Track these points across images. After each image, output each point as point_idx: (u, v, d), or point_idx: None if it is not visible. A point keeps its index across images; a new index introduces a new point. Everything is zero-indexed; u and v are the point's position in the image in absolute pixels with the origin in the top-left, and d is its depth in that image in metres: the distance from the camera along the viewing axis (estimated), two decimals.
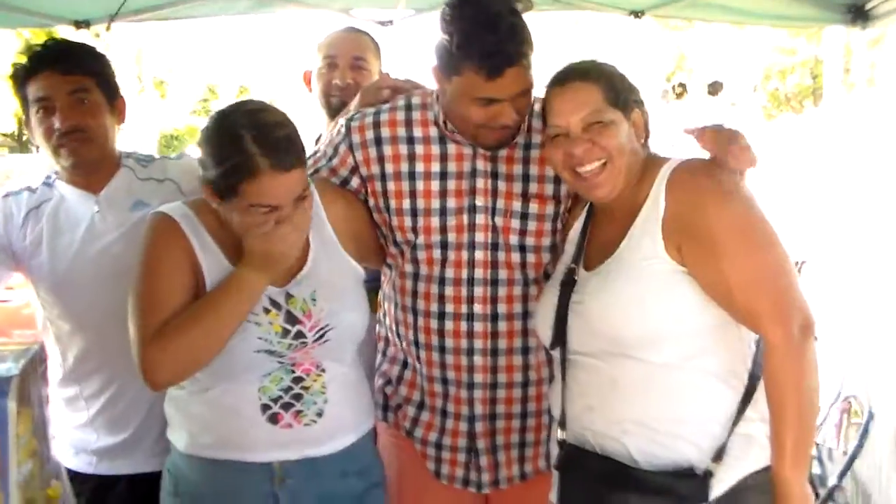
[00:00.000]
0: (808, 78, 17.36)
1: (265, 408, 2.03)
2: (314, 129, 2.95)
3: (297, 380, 2.05)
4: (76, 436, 2.43)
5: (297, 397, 2.05)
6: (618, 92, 1.98)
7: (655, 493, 1.89)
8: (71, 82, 2.31)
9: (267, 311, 2.03)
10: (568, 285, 2.03)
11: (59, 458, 2.26)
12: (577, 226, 2.15)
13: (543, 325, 2.08)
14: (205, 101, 22.38)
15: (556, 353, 2.07)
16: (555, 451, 2.07)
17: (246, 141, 1.92)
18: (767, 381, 1.88)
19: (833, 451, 3.82)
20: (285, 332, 2.02)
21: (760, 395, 1.92)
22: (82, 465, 2.42)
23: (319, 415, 2.07)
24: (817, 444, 3.78)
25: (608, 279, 1.95)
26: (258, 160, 1.91)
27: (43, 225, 2.38)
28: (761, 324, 1.86)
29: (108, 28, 3.67)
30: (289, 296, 2.05)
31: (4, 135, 20.76)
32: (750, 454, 1.91)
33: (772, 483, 1.87)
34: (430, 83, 2.29)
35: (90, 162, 2.37)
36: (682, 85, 12.74)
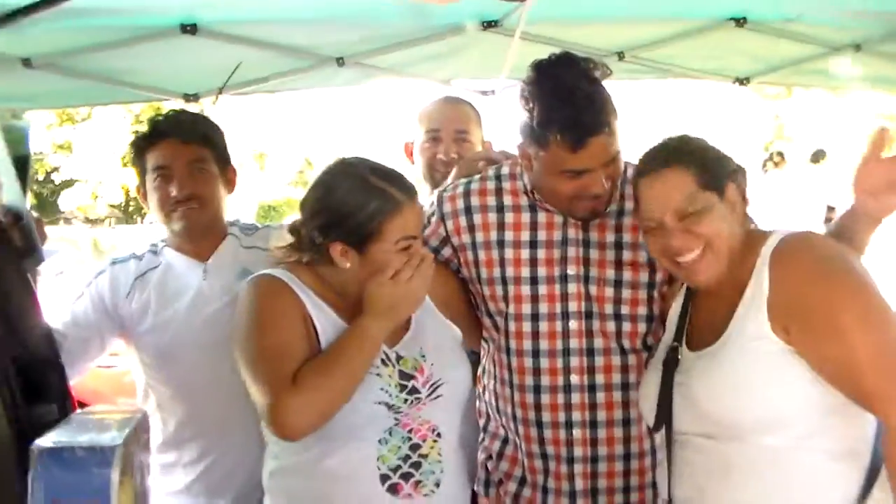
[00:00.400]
0: None
1: (384, 478, 1.99)
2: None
3: (415, 447, 2.01)
4: (172, 502, 2.44)
5: (416, 466, 2.01)
6: (710, 172, 1.91)
7: None
8: (190, 152, 2.41)
9: (385, 363, 2.02)
10: (671, 365, 1.96)
11: None
12: (678, 303, 2.08)
13: (647, 406, 2.01)
14: (301, 173, 22.93)
15: (659, 436, 1.99)
16: None
17: (375, 181, 2.01)
18: (889, 464, 1.77)
19: None
20: (402, 387, 2.00)
21: (883, 478, 1.80)
22: None
23: (437, 485, 2.03)
24: None
25: (714, 362, 1.88)
26: (394, 194, 1.99)
27: (150, 292, 2.43)
28: (879, 406, 1.76)
29: (214, 101, 3.76)
30: (399, 357, 2.04)
31: (112, 206, 21.58)
32: None
33: None
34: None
35: (201, 228, 2.44)
36: (780, 154, 12.45)
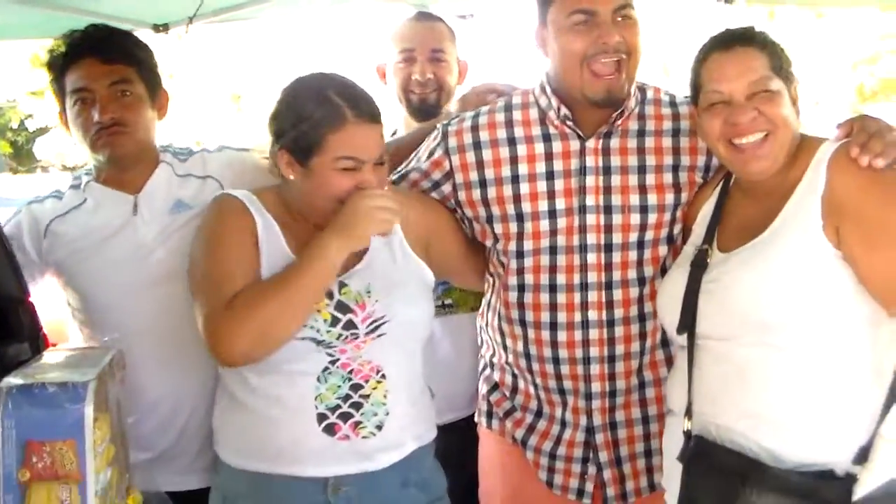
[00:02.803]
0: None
1: (322, 417, 1.95)
2: (390, 123, 2.87)
3: (356, 387, 1.96)
4: None
5: (357, 406, 1.97)
6: (782, 61, 1.89)
7: (795, 494, 1.76)
8: (112, 72, 2.21)
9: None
10: (699, 267, 1.93)
11: None
12: (709, 206, 2.04)
13: (669, 309, 1.98)
14: None
15: (680, 340, 1.96)
16: (677, 442, 1.94)
17: (330, 94, 1.95)
18: None
19: None
20: (335, 321, 1.95)
21: None
22: None
23: (379, 427, 1.98)
24: None
25: (754, 257, 1.84)
26: (344, 110, 1.93)
27: (73, 232, 2.26)
28: None
29: (186, 29, 3.64)
30: (342, 285, 1.98)
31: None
32: (892, 457, 1.76)
33: None
34: (521, 82, 2.23)
35: (129, 157, 2.26)
36: None
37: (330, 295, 1.97)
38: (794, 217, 1.84)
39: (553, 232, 2.14)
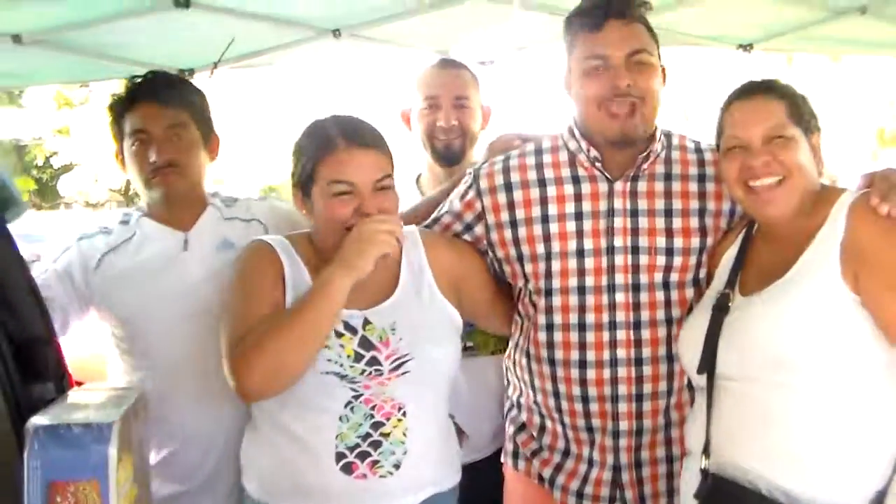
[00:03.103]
0: None
1: (340, 456, 1.96)
2: (414, 168, 2.90)
3: (377, 425, 1.98)
4: None
5: (376, 445, 1.97)
6: (800, 110, 1.95)
7: None
8: (169, 116, 2.32)
9: (339, 335, 1.98)
10: (721, 310, 1.96)
11: None
12: (732, 252, 2.09)
13: (690, 350, 2.01)
14: None
15: (700, 381, 1.98)
16: (694, 480, 1.96)
17: (326, 126, 2.05)
18: None
19: None
20: (358, 357, 1.97)
21: None
22: None
23: (397, 467, 1.99)
24: None
25: (776, 299, 1.88)
26: (335, 137, 2.01)
27: (124, 263, 2.34)
28: None
29: (210, 75, 3.71)
30: (367, 322, 2.01)
31: (113, 190, 21.54)
32: None
33: None
34: (538, 126, 2.30)
35: (181, 197, 2.36)
36: None
37: (353, 331, 1.99)
38: (814, 262, 1.87)
39: (581, 272, 2.18)
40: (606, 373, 2.18)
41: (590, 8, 2.15)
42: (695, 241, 2.18)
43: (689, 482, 2.00)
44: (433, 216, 2.33)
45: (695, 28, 3.93)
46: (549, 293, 2.20)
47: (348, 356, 1.97)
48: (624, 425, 2.19)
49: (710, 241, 2.19)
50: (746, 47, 4.08)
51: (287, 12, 3.52)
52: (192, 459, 2.32)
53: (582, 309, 2.18)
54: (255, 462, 2.09)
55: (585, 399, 2.19)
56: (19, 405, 1.82)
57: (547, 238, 2.20)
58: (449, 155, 2.76)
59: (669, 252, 2.17)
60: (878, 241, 1.83)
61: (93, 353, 2.61)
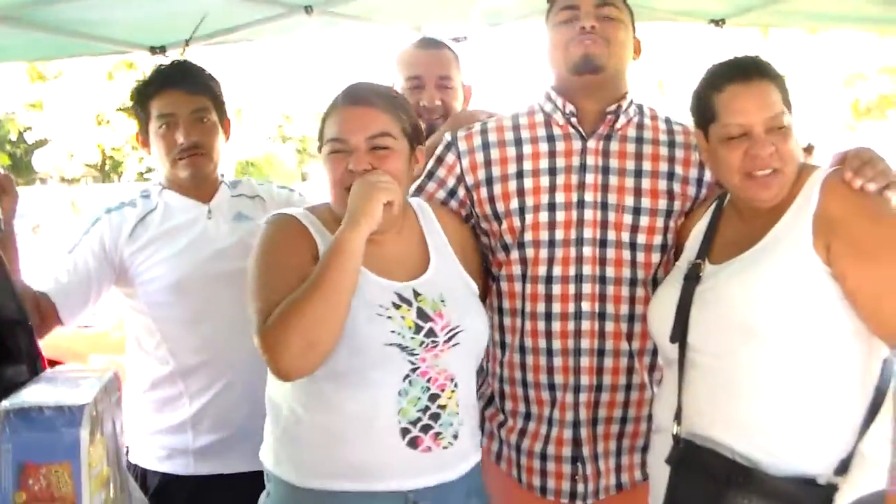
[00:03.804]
0: (890, 85, 16.89)
1: (405, 432, 1.95)
2: None
3: (434, 397, 1.98)
4: (170, 439, 2.51)
5: (435, 417, 1.99)
6: (787, 93, 1.97)
7: (778, 499, 1.83)
8: (194, 102, 2.54)
9: (397, 306, 1.99)
10: (692, 279, 2.00)
11: (151, 464, 2.50)
12: (702, 224, 2.13)
13: (661, 320, 2.05)
14: (280, 128, 22.76)
15: (672, 352, 2.02)
16: (665, 448, 2.01)
17: (339, 91, 2.09)
18: None
19: None
20: (418, 328, 1.98)
21: (886, 413, 1.84)
22: (178, 467, 2.50)
23: (455, 437, 2.01)
24: None
25: (747, 269, 1.92)
26: (337, 98, 2.07)
27: (154, 231, 2.53)
28: None
29: (182, 53, 3.69)
30: (416, 293, 2.02)
31: (88, 165, 21.41)
32: (870, 473, 1.83)
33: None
34: (506, 105, 2.39)
35: (204, 176, 2.57)
36: None
37: (408, 302, 2.00)
38: (787, 233, 1.92)
39: (552, 224, 2.24)
40: (571, 325, 2.24)
41: None
42: (662, 203, 2.25)
43: (659, 451, 2.05)
44: (415, 186, 2.35)
45: (666, 3, 3.94)
46: (521, 246, 2.26)
47: (409, 328, 1.98)
48: (585, 380, 2.25)
49: (676, 205, 2.26)
50: (718, 22, 4.09)
51: None
52: (232, 405, 2.49)
53: (551, 261, 2.24)
54: (292, 445, 2.02)
55: (550, 353, 2.25)
56: None
57: (521, 193, 2.26)
58: (431, 133, 2.78)
59: (637, 211, 2.24)
60: (850, 213, 1.87)
61: (74, 331, 2.68)
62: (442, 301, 2.03)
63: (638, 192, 2.25)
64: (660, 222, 2.25)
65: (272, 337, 1.87)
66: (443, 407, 1.99)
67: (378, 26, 3.97)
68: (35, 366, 1.98)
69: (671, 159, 2.29)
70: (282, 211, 2.13)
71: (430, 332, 1.99)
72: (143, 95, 2.57)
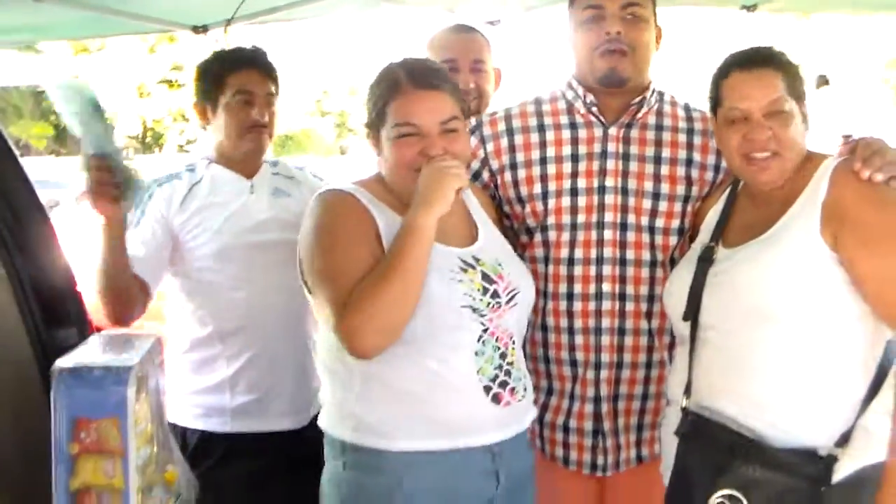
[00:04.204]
0: None
1: (487, 389, 2.03)
2: None
3: (503, 355, 2.07)
4: (209, 398, 2.64)
5: (508, 374, 2.07)
6: (797, 83, 2.04)
7: (780, 469, 1.91)
8: (268, 84, 2.70)
9: (465, 270, 2.05)
10: (706, 261, 2.08)
11: (189, 422, 2.61)
12: (717, 208, 2.20)
13: (676, 299, 2.13)
14: (319, 103, 22.78)
15: (684, 329, 2.10)
16: (675, 420, 2.10)
17: (394, 68, 2.10)
18: None
19: None
20: (485, 291, 2.05)
21: (887, 389, 1.92)
22: (215, 426, 2.63)
23: (525, 390, 2.11)
24: None
25: (758, 254, 1.99)
26: (402, 80, 2.06)
27: (202, 200, 2.66)
28: None
29: (225, 31, 3.79)
30: (476, 259, 2.09)
31: (130, 137, 21.61)
32: (870, 445, 1.91)
33: (884, 473, 1.87)
34: (548, 87, 2.45)
35: (261, 152, 2.74)
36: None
37: (472, 266, 2.06)
38: (796, 220, 1.98)
39: (574, 209, 2.32)
40: (592, 305, 2.32)
41: None
42: (680, 189, 2.33)
43: (670, 423, 2.13)
44: None
45: None
46: (543, 229, 2.34)
47: (478, 290, 2.04)
48: (605, 357, 2.33)
49: (694, 190, 2.33)
50: (750, 7, 4.09)
51: None
52: (262, 372, 2.63)
53: (572, 244, 2.32)
54: (378, 413, 2.03)
55: (571, 331, 2.34)
56: (45, 350, 1.97)
57: (544, 178, 2.34)
58: (466, 117, 2.85)
59: (656, 196, 2.32)
60: (858, 201, 1.93)
61: None
62: (499, 265, 2.11)
63: (657, 178, 2.32)
64: (678, 207, 2.32)
65: (354, 321, 1.90)
66: (511, 364, 2.08)
67: (414, 7, 4.02)
68: (83, 330, 2.09)
69: (689, 146, 2.36)
70: (334, 187, 2.14)
71: (495, 294, 2.06)
72: (221, 68, 2.69)
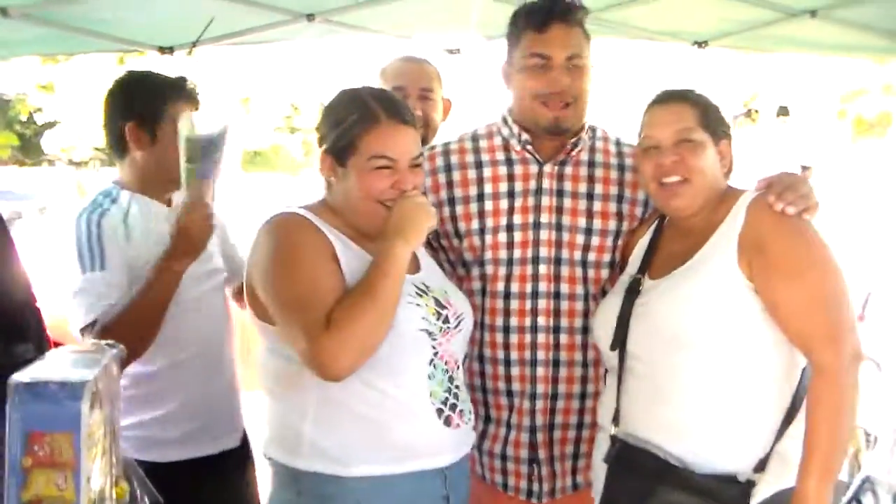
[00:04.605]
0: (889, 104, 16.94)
1: (439, 412, 2.07)
2: None
3: (451, 379, 2.12)
4: (150, 431, 2.55)
5: (456, 396, 2.13)
6: (710, 118, 2.15)
7: (702, 494, 2.00)
8: None
9: (420, 294, 2.10)
10: (633, 292, 2.17)
11: (131, 453, 2.40)
12: (644, 240, 2.30)
13: (604, 329, 2.21)
14: (288, 118, 22.77)
15: (612, 359, 2.18)
16: (604, 447, 2.18)
17: (366, 98, 2.11)
18: (811, 400, 1.99)
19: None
20: (437, 315, 2.11)
21: (801, 415, 2.01)
22: (157, 456, 2.53)
23: (470, 412, 2.17)
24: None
25: (679, 283, 2.09)
26: (378, 112, 2.07)
27: (138, 232, 2.48)
28: (814, 347, 1.99)
29: (189, 53, 3.86)
30: (426, 285, 2.14)
31: (97, 148, 21.45)
32: (786, 471, 2.00)
33: (795, 495, 1.96)
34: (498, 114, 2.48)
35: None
36: (756, 111, 12.66)
37: (425, 292, 2.11)
38: (715, 251, 2.08)
39: (510, 244, 2.38)
40: (528, 338, 2.38)
41: (537, 9, 2.33)
42: (612, 224, 2.40)
43: (600, 450, 2.21)
44: None
45: (651, 23, 4.11)
46: (481, 263, 2.40)
47: (432, 314, 2.09)
48: (541, 388, 2.39)
49: (625, 225, 2.40)
50: (701, 44, 4.25)
51: None
52: (202, 399, 2.58)
53: (508, 278, 2.38)
54: (334, 439, 2.03)
55: (508, 363, 2.40)
56: (2, 364, 2.00)
57: (482, 214, 2.40)
58: None
59: (589, 232, 2.39)
60: (771, 233, 2.03)
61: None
62: (445, 292, 2.18)
63: (590, 214, 2.39)
64: (609, 241, 2.40)
65: (333, 344, 1.90)
66: (458, 387, 2.13)
67: (375, 35, 4.11)
68: (42, 345, 2.12)
69: (621, 183, 2.43)
70: (284, 211, 2.12)
71: (446, 319, 2.11)
72: (160, 98, 2.53)
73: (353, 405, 2.02)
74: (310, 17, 3.84)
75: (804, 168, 11.62)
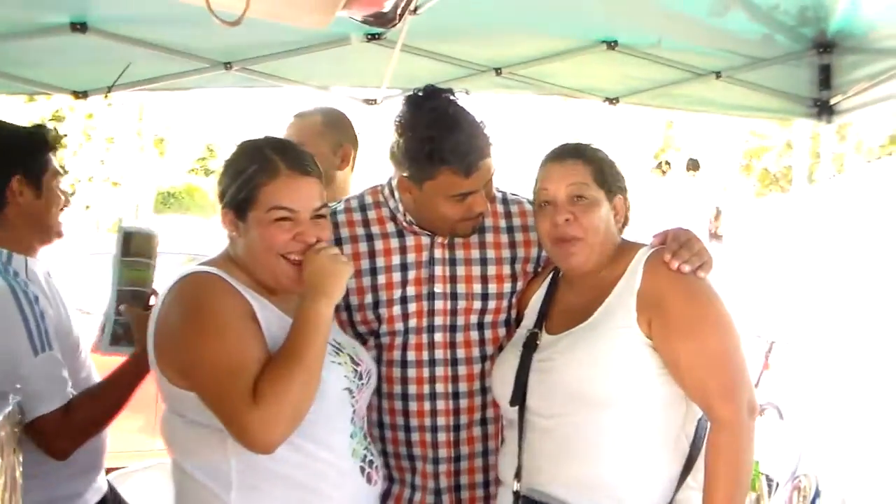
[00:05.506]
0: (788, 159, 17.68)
1: (362, 470, 2.08)
2: None
3: (364, 436, 2.14)
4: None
5: (371, 452, 2.14)
6: (605, 175, 2.18)
7: None
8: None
9: (337, 352, 2.10)
10: (530, 347, 2.19)
11: None
12: (540, 294, 2.32)
13: (502, 385, 2.22)
14: (203, 160, 22.60)
15: (512, 413, 2.20)
16: (507, 500, 2.19)
17: (265, 150, 2.06)
18: (709, 453, 2.04)
19: None
20: (354, 371, 2.11)
21: (700, 465, 2.08)
22: None
23: (381, 466, 2.18)
24: None
25: (580, 341, 2.11)
26: (277, 163, 2.02)
27: (42, 302, 2.34)
28: (712, 402, 2.04)
29: (105, 96, 3.85)
30: (338, 342, 2.14)
31: None
32: None
33: None
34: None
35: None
36: (667, 163, 13.08)
37: (340, 350, 2.10)
38: (614, 309, 2.13)
39: (405, 315, 2.38)
40: (427, 405, 2.38)
41: (465, 153, 2.18)
42: (506, 286, 2.41)
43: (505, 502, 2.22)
44: None
45: (565, 80, 4.23)
46: (376, 335, 2.40)
47: (351, 371, 2.10)
48: (443, 453, 2.39)
49: (520, 284, 2.42)
50: (613, 100, 4.38)
51: (182, 43, 3.65)
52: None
53: (405, 347, 2.38)
54: (256, 490, 1.98)
55: (408, 429, 2.39)
56: None
57: (375, 288, 2.38)
58: None
59: (484, 297, 2.39)
60: (668, 292, 2.09)
61: None
62: (354, 347, 2.19)
63: (485, 280, 2.40)
64: (505, 303, 2.41)
65: (262, 419, 1.83)
66: (370, 443, 2.15)
67: (292, 86, 4.15)
68: None
69: (512, 244, 2.44)
70: (197, 269, 2.05)
71: (360, 375, 2.12)
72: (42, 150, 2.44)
73: (280, 470, 1.97)
74: (227, 65, 3.84)
75: (718, 211, 12.11)
